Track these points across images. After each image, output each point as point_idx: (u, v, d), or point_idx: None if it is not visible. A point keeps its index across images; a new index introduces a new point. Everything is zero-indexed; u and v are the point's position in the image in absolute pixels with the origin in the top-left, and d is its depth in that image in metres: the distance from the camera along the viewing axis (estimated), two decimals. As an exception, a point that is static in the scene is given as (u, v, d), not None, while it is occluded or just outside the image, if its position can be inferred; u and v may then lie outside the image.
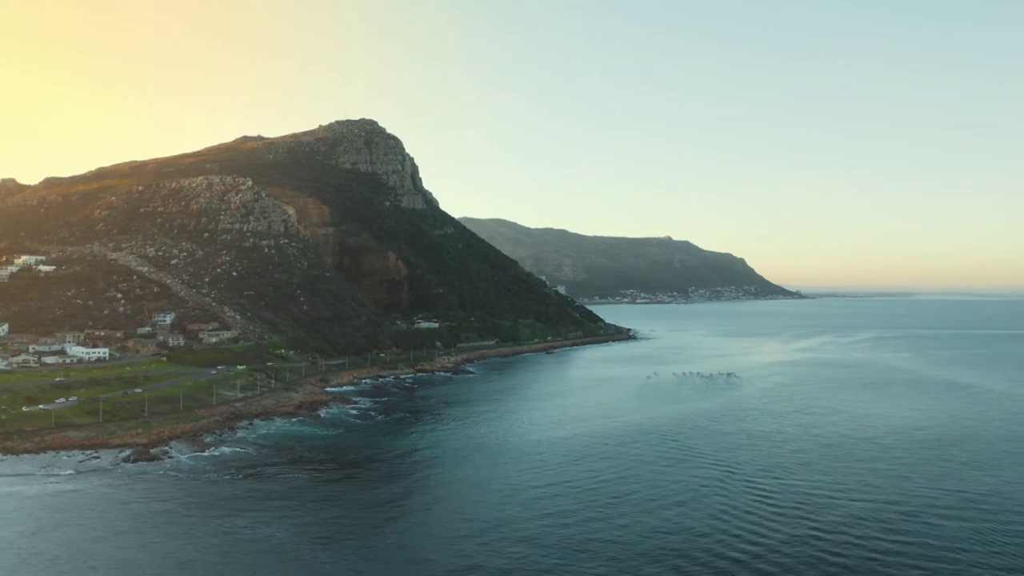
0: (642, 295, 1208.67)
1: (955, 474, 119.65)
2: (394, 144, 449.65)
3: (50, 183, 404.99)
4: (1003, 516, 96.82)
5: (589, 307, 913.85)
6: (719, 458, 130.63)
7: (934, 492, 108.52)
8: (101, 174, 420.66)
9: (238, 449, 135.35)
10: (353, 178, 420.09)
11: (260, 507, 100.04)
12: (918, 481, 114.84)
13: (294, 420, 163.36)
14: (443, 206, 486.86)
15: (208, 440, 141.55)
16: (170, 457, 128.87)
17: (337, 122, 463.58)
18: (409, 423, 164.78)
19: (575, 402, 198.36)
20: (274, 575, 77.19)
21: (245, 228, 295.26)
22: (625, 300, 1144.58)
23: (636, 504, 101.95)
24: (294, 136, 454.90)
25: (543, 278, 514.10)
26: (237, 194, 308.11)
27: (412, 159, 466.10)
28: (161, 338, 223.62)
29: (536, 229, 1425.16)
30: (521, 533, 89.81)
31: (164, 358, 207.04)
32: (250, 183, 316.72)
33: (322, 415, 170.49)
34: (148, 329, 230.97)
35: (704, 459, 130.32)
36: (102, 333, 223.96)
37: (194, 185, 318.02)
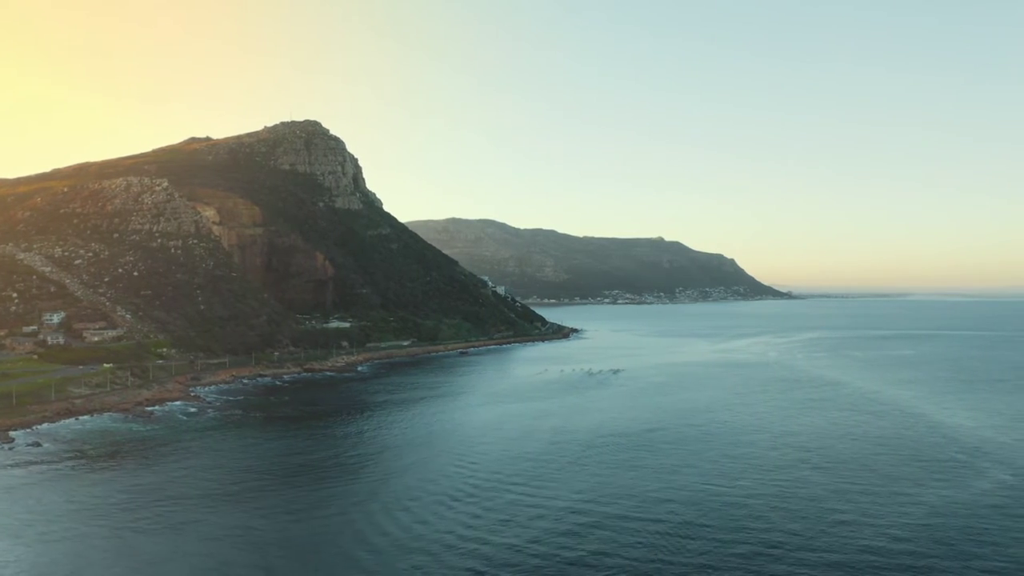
0: (626, 296, 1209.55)
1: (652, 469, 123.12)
2: (335, 145, 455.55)
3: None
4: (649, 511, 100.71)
5: (568, 307, 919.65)
6: (462, 447, 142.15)
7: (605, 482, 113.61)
8: (46, 176, 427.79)
9: (32, 444, 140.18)
10: (290, 179, 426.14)
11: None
12: (599, 472, 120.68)
13: (122, 417, 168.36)
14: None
15: (14, 435, 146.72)
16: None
17: (282, 123, 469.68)
18: (233, 420, 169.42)
19: (431, 395, 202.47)
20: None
21: (155, 229, 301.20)
22: (607, 301, 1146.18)
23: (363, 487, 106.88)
24: (237, 138, 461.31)
25: (485, 278, 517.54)
26: (151, 195, 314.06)
27: (356, 160, 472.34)
28: (41, 336, 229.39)
29: (525, 230, 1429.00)
30: (231, 521, 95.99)
31: (36, 356, 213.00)
32: (165, 184, 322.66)
33: (156, 412, 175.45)
34: (34, 328, 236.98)
35: (448, 447, 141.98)
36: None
37: (113, 186, 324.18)
